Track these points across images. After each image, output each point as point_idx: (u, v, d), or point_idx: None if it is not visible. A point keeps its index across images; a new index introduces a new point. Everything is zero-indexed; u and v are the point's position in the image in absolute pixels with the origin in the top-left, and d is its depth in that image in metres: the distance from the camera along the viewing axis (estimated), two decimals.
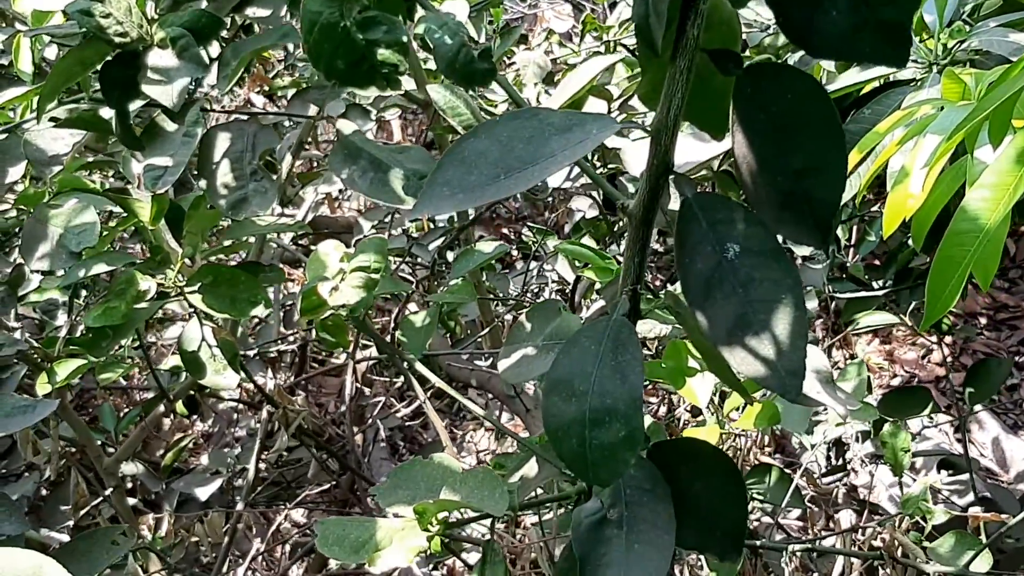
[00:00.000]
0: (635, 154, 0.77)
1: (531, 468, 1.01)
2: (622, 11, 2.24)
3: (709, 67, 0.70)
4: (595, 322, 0.76)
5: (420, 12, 0.76)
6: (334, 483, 2.64)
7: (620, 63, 2.35)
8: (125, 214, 1.08)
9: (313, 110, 1.22)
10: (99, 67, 0.81)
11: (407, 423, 2.96)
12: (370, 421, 2.64)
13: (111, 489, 1.73)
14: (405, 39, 0.75)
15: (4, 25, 1.59)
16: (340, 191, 2.54)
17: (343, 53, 0.75)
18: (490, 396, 2.39)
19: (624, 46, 2.32)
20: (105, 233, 1.08)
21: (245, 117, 0.96)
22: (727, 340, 0.69)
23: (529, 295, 2.36)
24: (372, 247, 1.11)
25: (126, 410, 2.39)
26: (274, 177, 0.96)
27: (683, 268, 0.70)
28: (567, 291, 2.47)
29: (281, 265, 2.66)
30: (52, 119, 0.97)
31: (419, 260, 2.18)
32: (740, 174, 0.70)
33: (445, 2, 1.37)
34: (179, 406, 2.27)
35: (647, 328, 1.12)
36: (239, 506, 1.99)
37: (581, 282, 2.25)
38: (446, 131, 1.76)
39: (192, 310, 1.12)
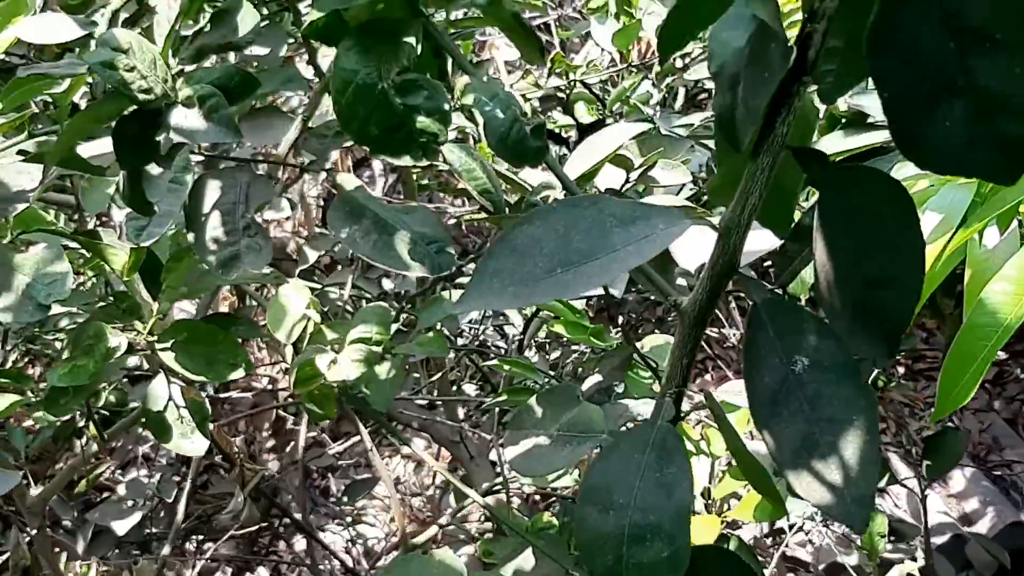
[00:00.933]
0: (688, 246, 0.71)
1: (526, 560, 0.94)
2: (589, 50, 2.19)
3: (785, 163, 0.64)
4: (637, 428, 0.70)
5: (463, 78, 0.69)
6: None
7: (581, 102, 2.31)
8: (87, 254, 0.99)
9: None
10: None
11: (339, 461, 2.88)
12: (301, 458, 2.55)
13: (35, 531, 1.61)
14: (447, 107, 0.68)
15: None
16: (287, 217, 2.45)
17: (379, 118, 0.68)
18: (431, 437, 2.31)
19: (585, 84, 2.28)
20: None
21: (235, 164, 0.88)
22: (793, 463, 0.64)
23: (482, 337, 2.29)
24: (373, 317, 1.04)
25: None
26: (268, 232, 0.87)
27: (749, 380, 0.65)
28: (507, 333, 2.41)
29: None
30: (20, 152, 0.88)
31: (366, 294, 2.10)
32: (817, 281, 0.65)
33: None
34: (92, 427, 2.16)
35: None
36: (165, 549, 1.88)
37: (532, 324, 2.19)
38: (421, 185, 1.70)
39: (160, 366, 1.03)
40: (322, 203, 3.05)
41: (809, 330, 0.65)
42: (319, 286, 1.95)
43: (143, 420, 1.05)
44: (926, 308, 1.54)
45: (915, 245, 0.65)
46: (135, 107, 0.72)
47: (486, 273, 0.63)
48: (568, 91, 2.28)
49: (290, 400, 2.25)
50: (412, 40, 0.69)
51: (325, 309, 2.19)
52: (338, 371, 1.02)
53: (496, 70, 2.49)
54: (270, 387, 3.05)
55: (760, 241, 0.74)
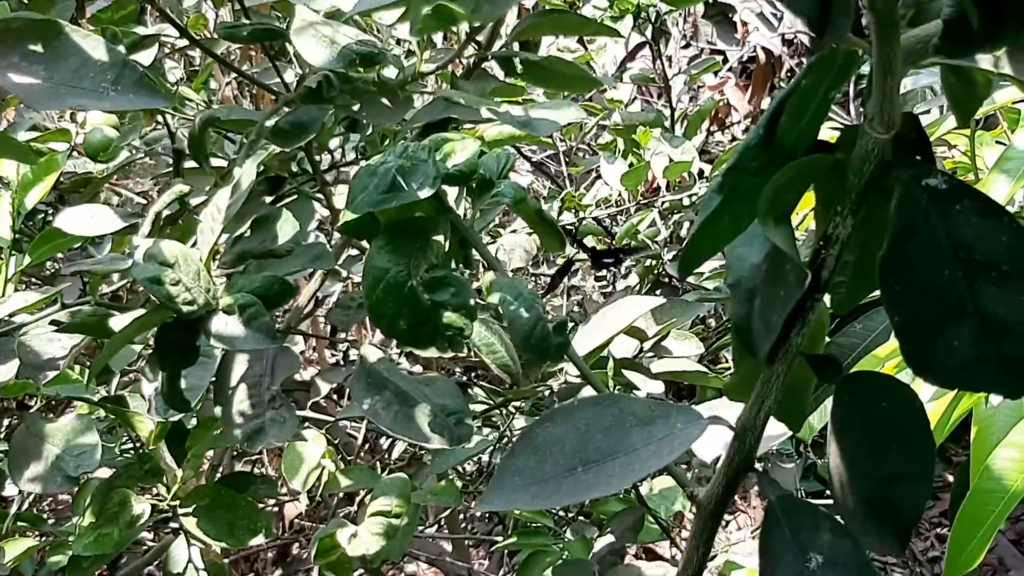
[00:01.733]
0: (706, 439, 0.73)
1: None
2: (599, 189, 2.24)
3: (799, 365, 0.67)
4: None
5: (488, 274, 0.72)
6: None
7: (591, 236, 2.35)
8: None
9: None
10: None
11: None
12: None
13: None
14: (473, 302, 0.71)
15: None
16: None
17: (408, 313, 0.70)
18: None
19: (597, 220, 2.33)
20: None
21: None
22: None
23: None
24: (394, 489, 1.06)
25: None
26: (292, 405, 0.90)
27: None
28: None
29: None
30: (53, 322, 0.91)
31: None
32: (831, 481, 0.67)
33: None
34: None
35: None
36: None
37: None
38: None
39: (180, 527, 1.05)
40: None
41: (824, 528, 0.67)
42: (332, 419, 1.96)
43: None
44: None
45: (926, 446, 0.67)
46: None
47: (508, 472, 0.65)
48: (577, 225, 2.33)
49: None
50: (440, 237, 0.72)
51: (336, 441, 2.20)
52: (358, 545, 1.03)
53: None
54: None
55: (773, 431, 0.77)
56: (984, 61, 0.53)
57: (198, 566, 1.07)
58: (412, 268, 0.70)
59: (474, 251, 0.79)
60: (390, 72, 0.91)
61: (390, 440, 2.15)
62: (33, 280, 1.90)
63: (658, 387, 1.08)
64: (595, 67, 2.83)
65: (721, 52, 3.61)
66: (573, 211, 2.24)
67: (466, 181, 0.75)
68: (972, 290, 0.55)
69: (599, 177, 2.27)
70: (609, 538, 1.04)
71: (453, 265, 0.78)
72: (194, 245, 0.77)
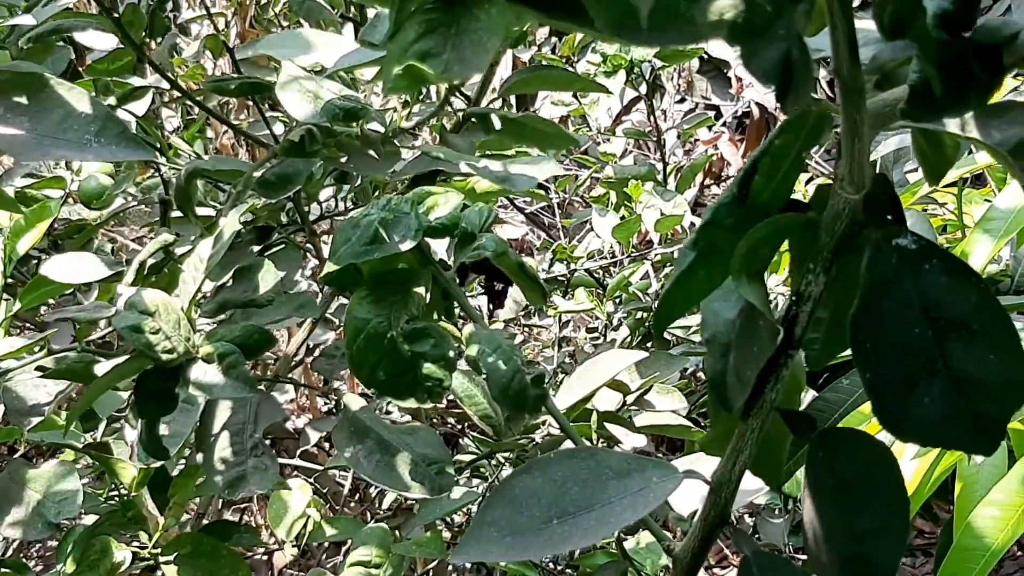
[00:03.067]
0: (683, 492, 0.74)
1: None
2: (590, 242, 2.26)
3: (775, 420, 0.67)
4: None
5: (468, 326, 0.73)
6: None
7: (582, 288, 2.36)
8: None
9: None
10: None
11: None
12: None
13: None
14: (452, 354, 0.72)
15: None
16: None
17: (387, 364, 0.71)
18: None
19: (589, 272, 2.34)
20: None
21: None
22: None
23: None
24: (375, 539, 1.06)
25: None
26: (274, 452, 0.90)
27: None
28: None
29: None
30: (39, 368, 0.92)
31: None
32: (806, 538, 0.67)
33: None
34: None
35: None
36: None
37: None
38: None
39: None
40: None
41: None
42: (320, 467, 1.96)
43: None
44: (921, 511, 1.55)
45: (900, 502, 0.67)
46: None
47: (483, 524, 0.65)
48: (569, 276, 2.34)
49: None
50: (421, 289, 0.73)
51: (325, 490, 2.19)
52: None
53: None
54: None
55: (751, 484, 0.77)
56: (951, 124, 0.54)
57: None
58: (393, 319, 0.71)
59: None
60: (376, 125, 0.93)
61: (378, 489, 2.15)
62: (27, 325, 1.91)
63: (641, 440, 1.08)
64: (589, 120, 2.86)
65: (716, 107, 3.64)
66: (565, 263, 2.26)
67: (448, 234, 0.76)
68: (942, 348, 0.56)
69: (592, 229, 2.29)
70: None
71: (435, 316, 0.79)
72: (175, 293, 0.78)
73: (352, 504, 2.10)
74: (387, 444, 0.90)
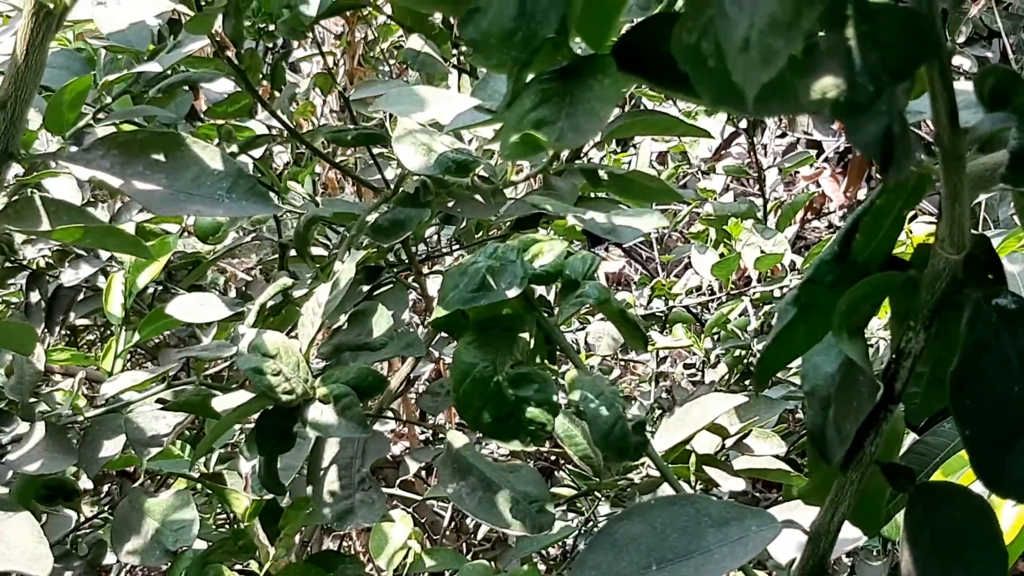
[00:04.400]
0: (781, 541, 0.75)
1: None
2: (689, 279, 2.26)
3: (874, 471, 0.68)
4: None
5: (570, 369, 0.75)
6: None
7: (679, 324, 2.37)
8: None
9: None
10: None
11: None
12: None
13: None
14: (555, 399, 0.74)
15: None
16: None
17: (492, 407, 0.74)
18: None
19: (687, 308, 2.35)
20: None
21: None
22: None
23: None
24: (476, 575, 1.08)
25: None
26: (381, 487, 0.93)
27: None
28: None
29: None
30: (159, 400, 0.96)
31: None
32: None
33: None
34: None
35: None
36: None
37: None
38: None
39: None
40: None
41: None
42: (420, 498, 1.99)
43: None
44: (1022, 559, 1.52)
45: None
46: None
47: (585, 567, 0.67)
48: (667, 312, 2.35)
49: None
50: (526, 335, 0.76)
51: (423, 520, 2.22)
52: None
53: None
54: None
55: (849, 534, 0.77)
56: None
57: None
58: (498, 364, 0.74)
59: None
60: (484, 171, 0.96)
61: (475, 520, 2.17)
62: (139, 350, 1.97)
63: (739, 484, 1.09)
64: (689, 155, 2.87)
65: (817, 142, 3.61)
66: (663, 299, 2.27)
67: (552, 281, 0.78)
68: None
69: (690, 265, 2.29)
70: None
71: (538, 361, 0.81)
72: (291, 333, 0.82)
73: (449, 534, 2.12)
74: (489, 481, 0.92)
